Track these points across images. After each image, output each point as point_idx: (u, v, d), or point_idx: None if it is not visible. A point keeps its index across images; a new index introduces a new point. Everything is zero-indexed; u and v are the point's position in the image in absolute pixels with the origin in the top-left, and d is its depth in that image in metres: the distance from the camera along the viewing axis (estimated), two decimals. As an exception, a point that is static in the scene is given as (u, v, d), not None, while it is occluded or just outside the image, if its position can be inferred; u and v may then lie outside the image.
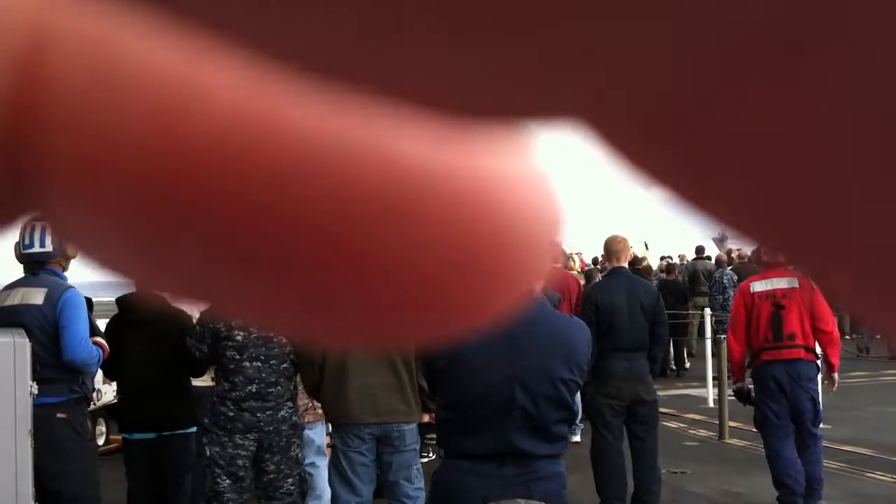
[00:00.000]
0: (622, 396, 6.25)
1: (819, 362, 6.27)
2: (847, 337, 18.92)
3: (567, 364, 2.66)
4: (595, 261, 16.51)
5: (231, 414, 4.56)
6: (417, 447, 4.82)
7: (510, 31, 0.14)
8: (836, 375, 6.27)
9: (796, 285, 6.14)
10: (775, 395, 6.24)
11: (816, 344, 6.25)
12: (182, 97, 0.16)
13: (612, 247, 6.63)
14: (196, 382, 5.18)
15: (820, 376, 6.33)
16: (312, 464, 5.18)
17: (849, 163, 0.14)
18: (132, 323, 5.01)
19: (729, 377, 7.03)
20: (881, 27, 0.13)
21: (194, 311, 5.16)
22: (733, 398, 6.82)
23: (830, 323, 6.28)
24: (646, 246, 19.81)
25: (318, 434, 5.35)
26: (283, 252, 0.18)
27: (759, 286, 6.41)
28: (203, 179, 0.17)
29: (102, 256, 0.19)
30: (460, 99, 0.15)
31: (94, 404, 5.67)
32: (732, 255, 16.02)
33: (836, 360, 6.29)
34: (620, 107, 0.15)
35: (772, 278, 6.29)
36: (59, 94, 0.17)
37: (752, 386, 6.46)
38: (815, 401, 6.23)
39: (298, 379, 4.84)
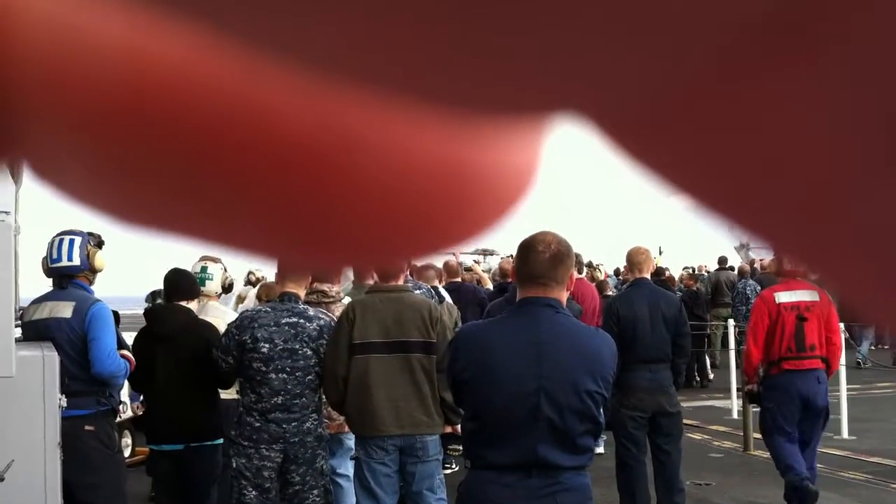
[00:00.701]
0: (645, 408, 6.23)
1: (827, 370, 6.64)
2: (873, 347, 18.76)
3: (593, 376, 2.65)
4: (617, 272, 16.47)
5: (257, 425, 4.59)
6: (440, 458, 4.84)
7: (510, 25, 0.14)
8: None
9: (817, 298, 6.39)
10: (793, 403, 6.48)
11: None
12: (150, 21, 0.16)
13: (635, 258, 6.62)
14: (222, 395, 5.22)
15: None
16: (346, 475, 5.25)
17: (849, 155, 0.15)
18: (160, 335, 5.06)
19: (743, 381, 7.20)
20: (881, 20, 0.13)
21: (221, 324, 5.21)
22: (757, 409, 6.82)
23: (838, 335, 6.67)
24: (660, 251, 19.71)
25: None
26: (263, 177, 0.18)
27: (784, 297, 6.54)
28: (177, 104, 0.17)
29: (78, 191, 0.19)
30: (460, 92, 0.16)
31: (120, 416, 5.73)
32: (755, 265, 15.92)
33: (836, 367, 6.92)
34: (620, 99, 0.15)
35: (796, 290, 6.44)
36: (28, 22, 0.17)
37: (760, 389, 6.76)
38: (828, 404, 6.57)
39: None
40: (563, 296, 2.78)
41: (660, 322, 6.29)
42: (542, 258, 2.72)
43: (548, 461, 2.61)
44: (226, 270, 6.10)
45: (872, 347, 18.72)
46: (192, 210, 0.19)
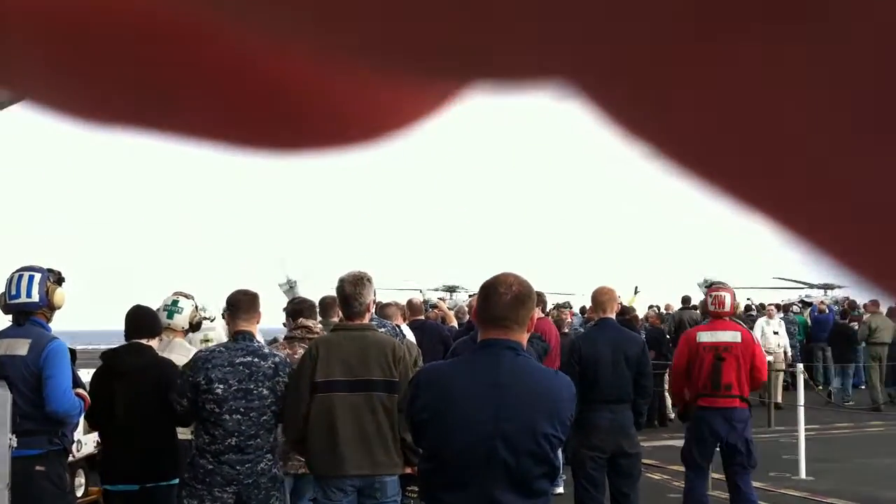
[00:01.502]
0: (605, 448, 6.24)
1: (749, 408, 6.97)
2: (832, 388, 18.93)
3: (551, 420, 2.64)
4: (582, 310, 16.53)
5: (210, 467, 4.53)
6: (398, 499, 4.80)
7: None
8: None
9: (738, 340, 6.80)
10: (705, 440, 6.85)
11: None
12: None
13: (599, 298, 6.67)
14: (179, 434, 5.15)
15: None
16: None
17: (829, 113, 0.15)
18: (119, 373, 5.00)
19: (674, 405, 7.68)
20: None
21: (178, 365, 5.14)
22: (718, 450, 6.90)
23: (765, 372, 7.16)
24: (636, 291, 19.79)
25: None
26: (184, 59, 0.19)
27: (705, 337, 6.95)
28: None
29: (16, 81, 0.20)
30: (443, 60, 0.16)
31: (74, 456, 5.63)
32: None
33: (762, 380, 7.33)
34: (605, 64, 0.15)
35: (717, 331, 6.74)
36: None
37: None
38: (748, 442, 6.76)
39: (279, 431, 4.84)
40: (524, 337, 2.78)
41: (622, 362, 6.32)
42: (503, 300, 2.72)
43: None
44: (196, 308, 6.04)
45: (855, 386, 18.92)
46: (132, 100, 0.20)
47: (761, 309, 20.98)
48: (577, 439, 6.37)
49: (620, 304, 12.55)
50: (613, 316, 6.74)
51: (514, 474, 2.59)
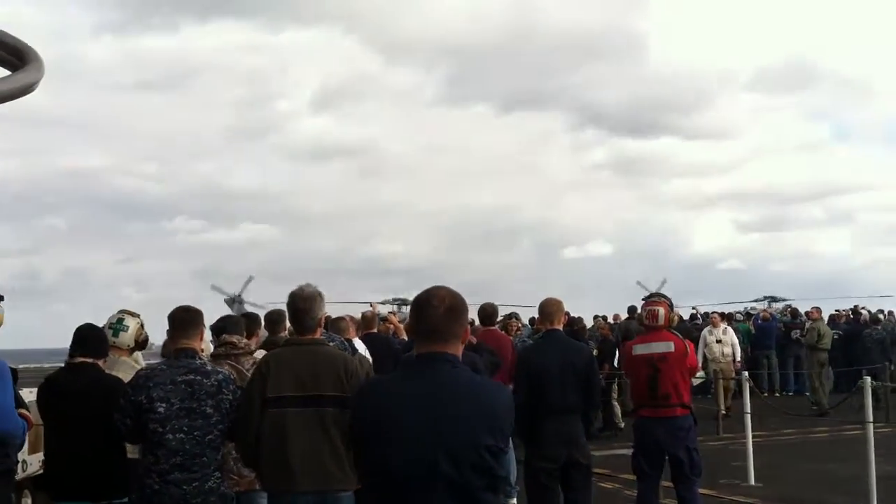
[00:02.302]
0: (557, 459, 6.28)
1: (693, 416, 6.99)
2: (778, 394, 19.26)
3: (491, 430, 2.61)
4: (532, 321, 16.61)
5: (157, 486, 4.45)
6: (353, 515, 4.77)
7: None
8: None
9: (672, 349, 6.89)
10: (649, 449, 6.95)
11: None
12: None
13: (547, 309, 6.72)
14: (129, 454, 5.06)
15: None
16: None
17: None
18: (65, 391, 4.92)
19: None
20: None
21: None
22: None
23: (686, 383, 6.99)
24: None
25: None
26: None
27: (639, 349, 7.07)
28: None
29: None
30: None
31: (19, 475, 5.49)
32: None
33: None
34: None
35: (651, 342, 6.81)
36: None
37: None
38: (690, 450, 6.84)
39: (230, 447, 4.77)
40: (459, 349, 2.78)
41: (570, 373, 6.37)
42: (436, 313, 2.72)
43: None
44: (142, 326, 5.96)
45: (777, 395, 19.25)
46: None
47: (706, 318, 21.30)
48: (528, 450, 6.40)
49: (568, 314, 12.70)
50: (560, 327, 6.81)
51: (457, 488, 2.56)
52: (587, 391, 6.47)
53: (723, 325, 16.86)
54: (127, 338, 5.74)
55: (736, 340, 16.61)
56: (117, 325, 5.73)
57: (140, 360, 6.10)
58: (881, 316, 22.31)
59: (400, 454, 2.61)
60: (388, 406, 2.69)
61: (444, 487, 2.56)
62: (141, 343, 5.99)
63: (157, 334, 6.49)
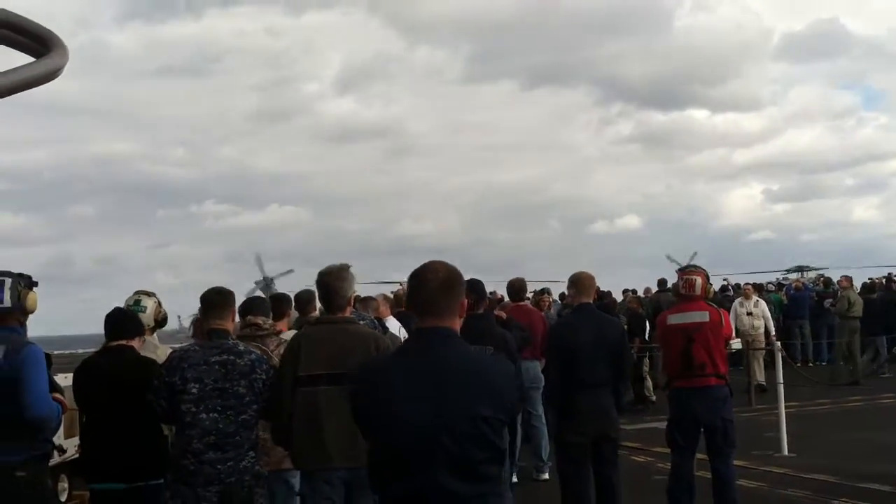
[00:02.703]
0: (588, 433, 6.26)
1: (729, 387, 6.91)
2: (811, 364, 19.12)
3: (490, 402, 2.62)
4: (562, 296, 16.57)
5: (192, 467, 4.49)
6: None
7: None
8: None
9: (707, 319, 6.82)
10: (684, 420, 6.87)
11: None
12: None
13: (579, 282, 6.68)
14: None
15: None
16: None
17: None
18: (99, 375, 4.97)
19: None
20: None
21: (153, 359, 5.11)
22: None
23: (722, 352, 6.89)
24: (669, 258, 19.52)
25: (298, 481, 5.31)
26: None
27: (674, 319, 6.97)
28: None
29: None
30: None
31: (54, 459, 5.56)
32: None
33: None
34: None
35: (685, 312, 6.74)
36: None
37: None
38: (725, 421, 6.77)
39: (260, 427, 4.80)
40: (456, 322, 2.79)
41: (602, 347, 6.34)
42: (430, 287, 2.74)
43: (449, 491, 2.58)
44: (160, 304, 6.00)
45: (811, 364, 19.11)
46: None
47: (738, 290, 21.15)
48: (560, 425, 6.39)
49: (597, 289, 12.66)
50: (591, 301, 6.77)
51: (458, 460, 2.58)
52: (618, 365, 6.44)
53: (755, 297, 16.65)
54: (146, 318, 5.78)
55: (768, 313, 16.36)
56: (135, 306, 5.78)
57: (155, 340, 6.14)
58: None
59: (400, 428, 2.63)
60: (387, 382, 2.71)
61: (445, 462, 2.58)
62: (160, 321, 6.05)
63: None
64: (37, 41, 1.99)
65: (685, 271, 7.23)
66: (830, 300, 19.22)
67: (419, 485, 2.60)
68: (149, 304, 5.87)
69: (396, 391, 2.66)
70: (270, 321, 5.97)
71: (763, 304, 16.50)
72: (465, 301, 2.87)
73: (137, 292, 5.96)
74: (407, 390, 2.64)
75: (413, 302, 2.82)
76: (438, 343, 2.71)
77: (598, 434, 6.29)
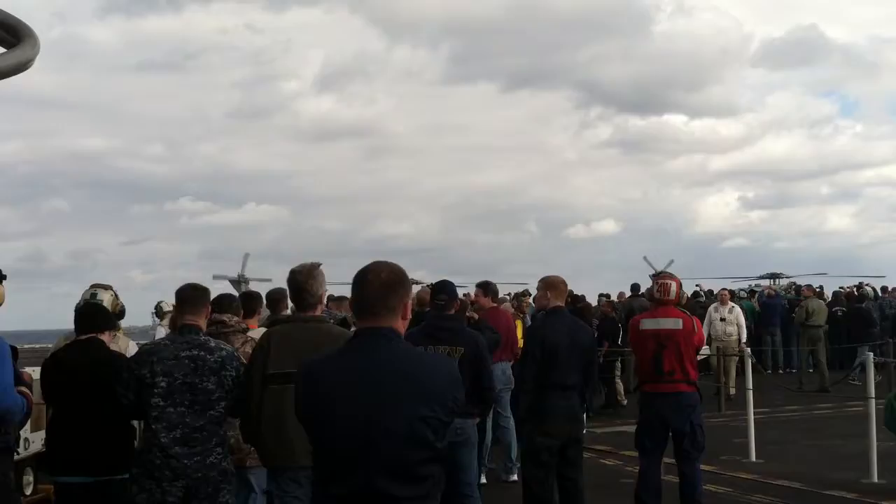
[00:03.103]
0: (559, 436, 6.28)
1: (698, 393, 6.98)
2: (781, 371, 19.28)
3: (428, 402, 2.60)
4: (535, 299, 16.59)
5: (158, 461, 4.47)
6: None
7: None
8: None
9: (680, 326, 6.90)
10: (653, 424, 6.96)
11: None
12: None
13: (552, 287, 6.70)
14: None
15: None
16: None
17: None
18: (67, 368, 4.95)
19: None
20: None
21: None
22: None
23: (692, 362, 6.97)
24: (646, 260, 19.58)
25: (262, 479, 5.28)
26: None
27: (647, 324, 7.06)
28: None
29: None
30: None
31: (18, 454, 5.51)
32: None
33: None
34: None
35: (659, 318, 6.83)
36: None
37: None
38: (694, 426, 6.84)
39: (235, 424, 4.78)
40: (399, 323, 2.76)
41: (577, 349, 6.39)
42: (372, 287, 2.73)
43: (386, 493, 2.56)
44: (116, 297, 5.97)
45: (781, 372, 19.26)
46: None
47: (710, 296, 21.25)
48: (531, 426, 6.40)
49: (571, 293, 12.69)
50: (563, 305, 6.82)
51: (395, 461, 2.56)
52: (588, 368, 6.50)
53: (730, 304, 16.70)
54: None
55: (742, 321, 16.36)
56: (91, 300, 5.75)
57: (121, 333, 6.11)
58: (886, 294, 22.31)
59: (338, 430, 2.61)
60: (325, 382, 2.70)
61: (381, 464, 2.56)
62: (118, 313, 6.01)
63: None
64: (8, 31, 1.96)
65: (660, 276, 7.35)
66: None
67: (356, 486, 2.58)
68: (105, 297, 5.85)
69: (334, 391, 2.65)
70: (237, 319, 5.93)
71: (738, 310, 16.54)
72: (409, 303, 2.86)
73: (94, 285, 5.95)
74: (344, 390, 2.63)
75: (355, 303, 2.81)
76: (376, 344, 2.70)
77: (568, 436, 6.33)
